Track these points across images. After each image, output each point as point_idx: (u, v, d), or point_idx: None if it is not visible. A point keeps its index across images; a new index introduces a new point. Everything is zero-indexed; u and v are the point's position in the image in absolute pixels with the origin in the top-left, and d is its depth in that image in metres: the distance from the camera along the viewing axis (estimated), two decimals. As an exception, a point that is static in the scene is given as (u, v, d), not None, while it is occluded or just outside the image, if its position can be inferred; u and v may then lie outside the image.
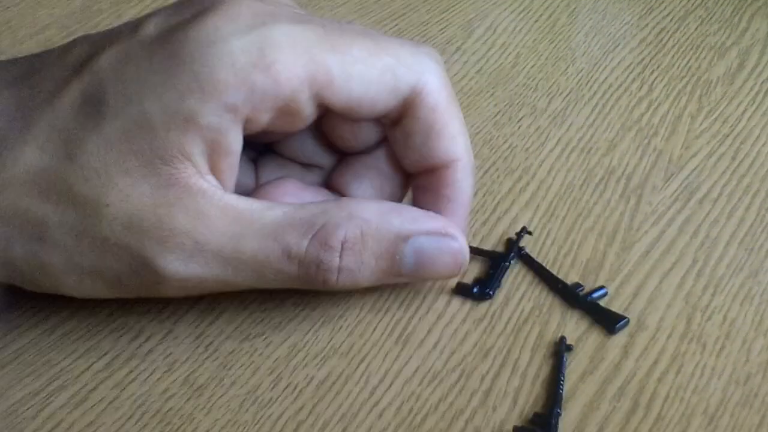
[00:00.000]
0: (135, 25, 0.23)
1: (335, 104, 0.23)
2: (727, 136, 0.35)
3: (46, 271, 0.22)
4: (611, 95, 0.37)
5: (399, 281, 0.24)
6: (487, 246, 0.29)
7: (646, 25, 0.43)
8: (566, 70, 0.39)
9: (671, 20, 0.44)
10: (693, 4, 0.45)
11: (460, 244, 0.24)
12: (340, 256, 0.22)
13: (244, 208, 0.22)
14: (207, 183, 0.22)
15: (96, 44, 0.23)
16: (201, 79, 0.21)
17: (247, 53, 0.21)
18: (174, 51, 0.21)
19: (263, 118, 0.22)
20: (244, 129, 0.22)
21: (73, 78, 0.22)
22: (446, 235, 0.24)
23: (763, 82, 0.39)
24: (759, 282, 0.28)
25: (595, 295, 0.27)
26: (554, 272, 0.28)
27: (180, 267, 0.21)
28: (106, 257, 0.21)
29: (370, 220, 0.23)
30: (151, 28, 0.22)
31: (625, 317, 0.26)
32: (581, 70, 0.39)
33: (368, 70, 0.23)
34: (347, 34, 0.23)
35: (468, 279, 0.27)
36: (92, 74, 0.22)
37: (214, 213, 0.21)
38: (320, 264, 0.22)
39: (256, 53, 0.21)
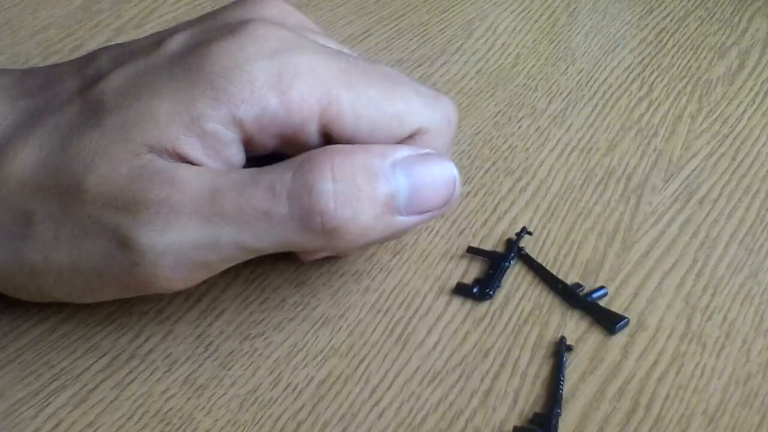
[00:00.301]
0: (158, 41, 0.23)
1: (339, 139, 0.23)
2: (727, 136, 0.35)
3: (26, 271, 0.22)
4: (611, 95, 0.37)
5: (398, 227, 0.23)
6: (487, 246, 0.29)
7: (646, 25, 0.43)
8: (566, 70, 0.39)
9: (671, 20, 0.44)
10: (693, 4, 0.45)
11: (446, 161, 0.23)
12: (332, 178, 0.21)
13: (221, 171, 0.21)
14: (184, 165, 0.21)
15: (117, 59, 0.23)
16: (216, 89, 0.21)
17: (267, 75, 0.21)
18: (195, 63, 0.21)
19: (268, 143, 0.22)
20: (248, 150, 0.22)
21: (88, 89, 0.22)
22: (428, 155, 0.23)
23: (763, 83, 0.39)
24: (759, 282, 0.28)
25: (595, 295, 0.27)
26: (554, 272, 0.28)
27: (156, 238, 0.20)
28: (83, 246, 0.21)
29: (352, 147, 0.22)
30: (173, 45, 0.22)
31: (625, 317, 0.26)
32: (581, 71, 0.39)
33: (378, 114, 0.23)
34: (368, 73, 0.23)
35: (468, 279, 0.27)
36: (108, 85, 0.22)
37: (190, 176, 0.21)
38: (312, 189, 0.21)
39: (275, 77, 0.21)
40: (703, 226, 0.30)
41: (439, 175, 0.23)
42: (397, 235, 0.24)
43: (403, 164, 0.22)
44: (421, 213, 0.23)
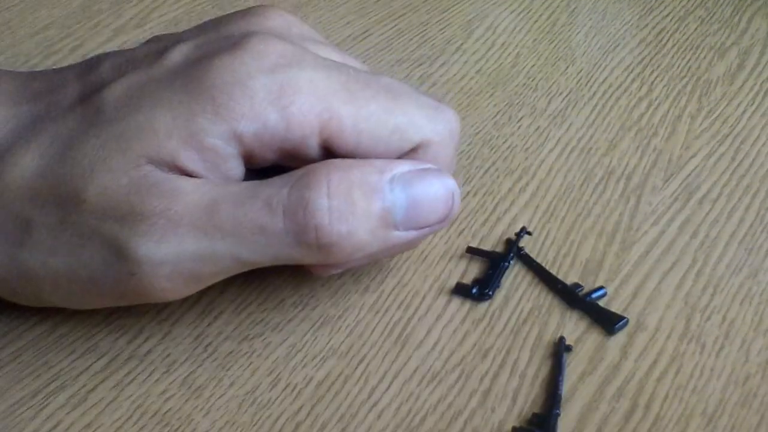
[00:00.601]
0: (161, 50, 0.23)
1: (340, 153, 0.23)
2: (727, 136, 0.35)
3: (24, 277, 0.22)
4: (611, 95, 0.37)
5: (396, 241, 0.23)
6: (487, 246, 0.29)
7: (646, 25, 0.43)
8: (566, 70, 0.39)
9: (671, 20, 0.44)
10: (693, 4, 0.45)
11: (445, 176, 0.23)
12: (328, 194, 0.21)
13: (220, 183, 0.21)
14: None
15: (119, 67, 0.23)
16: (217, 104, 0.21)
17: (267, 91, 0.21)
18: (196, 77, 0.21)
19: (268, 157, 0.22)
20: (249, 163, 0.22)
21: (89, 97, 0.22)
22: (428, 170, 0.23)
23: (763, 83, 0.39)
24: (758, 282, 0.28)
25: (595, 295, 0.27)
26: (554, 272, 0.27)
27: (153, 249, 0.21)
28: (81, 254, 0.21)
29: (351, 162, 0.22)
30: (177, 56, 0.22)
31: (625, 317, 0.26)
32: (581, 70, 0.39)
33: (379, 128, 0.23)
34: (369, 87, 0.23)
35: (467, 279, 0.27)
36: (109, 94, 0.22)
37: (188, 189, 0.21)
38: (308, 204, 0.21)
39: (275, 92, 0.21)
40: (702, 226, 0.30)
41: (438, 191, 0.23)
42: (397, 249, 0.24)
43: (401, 180, 0.22)
44: (418, 228, 0.23)
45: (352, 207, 0.21)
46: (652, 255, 0.29)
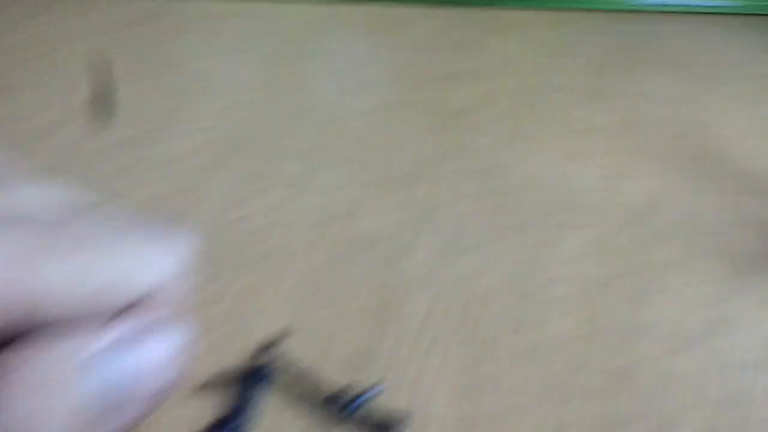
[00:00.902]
0: None
1: (47, 322, 0.17)
2: (484, 173, 0.33)
3: None
4: (358, 147, 0.34)
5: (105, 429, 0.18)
6: (233, 365, 0.24)
7: (393, 61, 0.41)
8: (307, 126, 0.35)
9: (417, 53, 0.42)
10: (438, 37, 0.43)
11: (168, 327, 0.19)
12: (4, 403, 0.16)
13: None
14: None
15: None
16: None
17: None
18: None
19: None
20: None
21: None
22: (145, 328, 0.18)
23: (513, 113, 0.37)
24: (538, 335, 0.25)
25: (369, 395, 0.23)
26: (320, 377, 0.23)
27: None
28: None
29: (33, 354, 0.17)
30: None
31: (402, 419, 0.22)
32: (325, 123, 0.36)
33: (86, 286, 0.18)
34: (67, 239, 0.18)
35: (214, 415, 0.22)
36: None
37: None
38: None
39: None
40: (471, 280, 0.27)
41: (155, 356, 0.18)
42: None
43: (102, 358, 0.17)
44: (135, 408, 0.18)
45: (38, 412, 0.16)
46: (423, 328, 0.25)
